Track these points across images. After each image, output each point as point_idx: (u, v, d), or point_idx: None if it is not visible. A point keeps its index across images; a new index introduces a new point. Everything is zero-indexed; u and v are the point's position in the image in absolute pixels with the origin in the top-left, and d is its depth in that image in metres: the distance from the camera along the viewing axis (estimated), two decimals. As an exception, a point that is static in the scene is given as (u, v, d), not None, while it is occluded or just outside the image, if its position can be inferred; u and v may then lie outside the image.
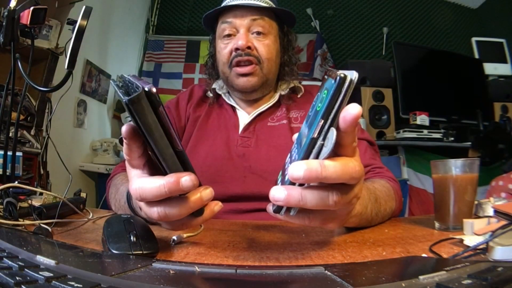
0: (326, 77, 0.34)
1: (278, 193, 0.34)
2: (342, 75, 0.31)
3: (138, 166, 0.40)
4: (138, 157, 0.39)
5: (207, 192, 0.39)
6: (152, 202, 0.39)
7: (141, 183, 0.38)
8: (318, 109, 0.33)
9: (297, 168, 0.32)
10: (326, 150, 0.32)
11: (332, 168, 0.33)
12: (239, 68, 0.83)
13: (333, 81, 0.31)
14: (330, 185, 0.35)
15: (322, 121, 0.32)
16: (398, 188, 0.75)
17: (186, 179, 0.36)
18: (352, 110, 0.32)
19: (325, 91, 0.32)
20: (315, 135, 0.32)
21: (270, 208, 0.37)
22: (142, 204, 0.40)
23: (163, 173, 0.37)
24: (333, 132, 0.32)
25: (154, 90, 0.31)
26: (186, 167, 0.37)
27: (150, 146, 0.35)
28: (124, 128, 0.36)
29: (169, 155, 0.35)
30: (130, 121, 0.36)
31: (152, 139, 0.34)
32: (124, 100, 0.31)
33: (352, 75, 0.31)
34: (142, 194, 0.38)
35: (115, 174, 0.81)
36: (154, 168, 0.40)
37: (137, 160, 0.39)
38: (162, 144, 0.34)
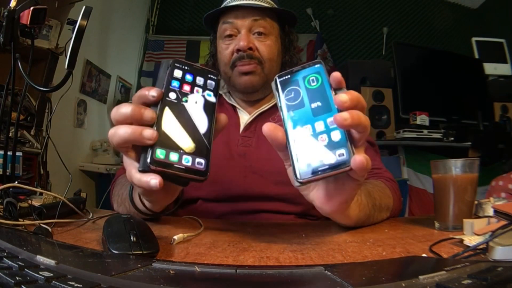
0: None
1: (343, 114, 0.40)
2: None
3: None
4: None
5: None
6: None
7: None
8: (316, 86, 0.45)
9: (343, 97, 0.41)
10: None
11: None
12: (241, 66, 0.83)
13: (317, 65, 0.45)
14: None
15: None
16: (396, 187, 0.75)
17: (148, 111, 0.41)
18: (335, 74, 0.44)
19: (316, 75, 0.45)
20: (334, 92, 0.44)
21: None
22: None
23: None
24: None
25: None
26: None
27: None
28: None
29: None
30: None
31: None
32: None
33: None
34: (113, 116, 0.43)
35: (120, 175, 0.81)
36: None
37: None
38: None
